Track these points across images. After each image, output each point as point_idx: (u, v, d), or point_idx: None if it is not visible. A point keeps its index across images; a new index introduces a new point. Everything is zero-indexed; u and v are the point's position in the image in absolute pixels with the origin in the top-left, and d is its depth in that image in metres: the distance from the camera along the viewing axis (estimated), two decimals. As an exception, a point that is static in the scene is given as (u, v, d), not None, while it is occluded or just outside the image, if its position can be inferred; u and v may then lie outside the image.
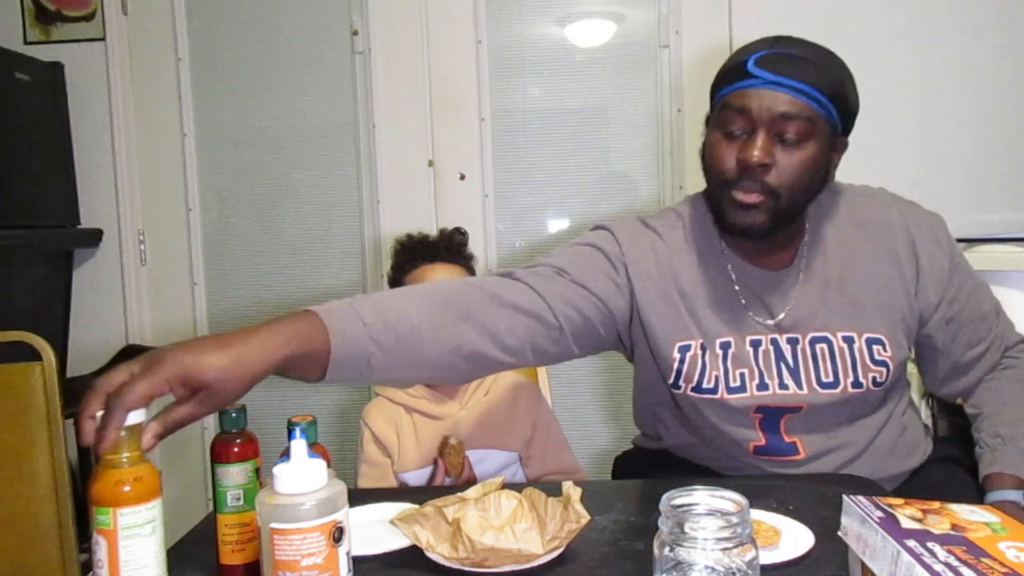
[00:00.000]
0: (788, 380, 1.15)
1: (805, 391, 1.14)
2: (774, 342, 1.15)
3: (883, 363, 1.14)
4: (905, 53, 2.30)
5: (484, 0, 2.41)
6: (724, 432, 1.18)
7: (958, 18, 2.28)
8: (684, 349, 1.16)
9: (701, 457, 1.25)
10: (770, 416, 1.16)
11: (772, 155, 1.05)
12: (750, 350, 1.15)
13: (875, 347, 1.14)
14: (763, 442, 1.17)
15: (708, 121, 1.14)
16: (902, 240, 1.16)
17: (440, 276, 1.37)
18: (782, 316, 1.15)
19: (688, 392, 1.17)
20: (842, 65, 1.10)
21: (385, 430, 1.36)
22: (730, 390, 1.15)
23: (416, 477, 1.35)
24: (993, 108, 2.29)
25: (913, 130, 2.31)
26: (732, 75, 1.09)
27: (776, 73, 1.04)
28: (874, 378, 1.14)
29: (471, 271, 1.44)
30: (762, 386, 1.15)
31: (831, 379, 1.14)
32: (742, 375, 1.15)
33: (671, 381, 1.17)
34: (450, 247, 1.43)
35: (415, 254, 1.41)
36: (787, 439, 1.17)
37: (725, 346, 1.16)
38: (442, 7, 2.43)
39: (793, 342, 1.15)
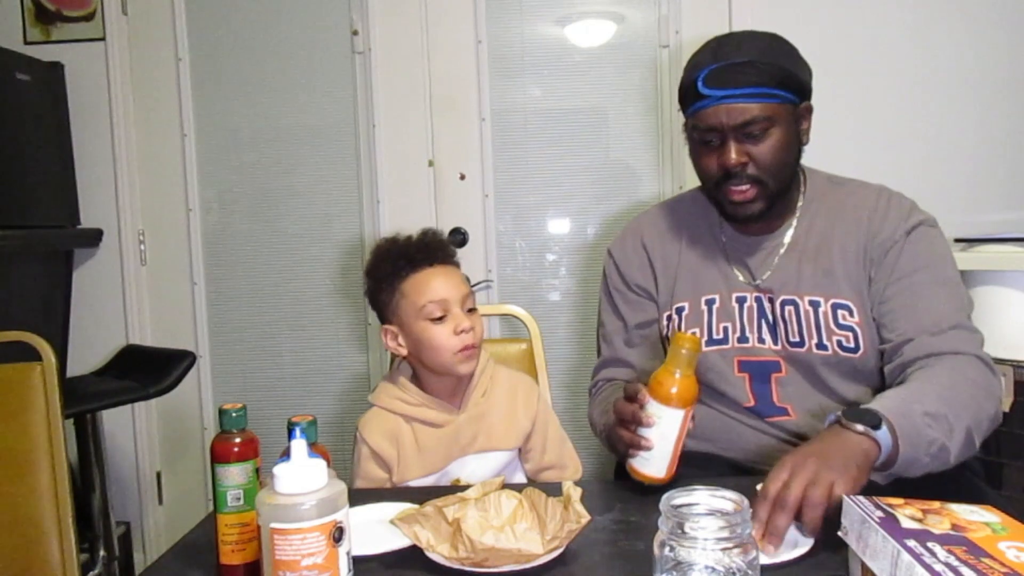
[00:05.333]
0: (766, 335, 1.27)
1: (779, 347, 1.26)
2: (757, 300, 1.28)
3: (849, 328, 1.22)
4: (905, 53, 2.30)
5: (484, 0, 2.41)
6: (717, 391, 1.29)
7: (958, 18, 2.28)
8: (668, 318, 1.33)
9: (713, 430, 1.30)
10: (757, 376, 1.27)
11: (745, 153, 1.18)
12: (736, 306, 1.28)
13: (840, 312, 1.23)
14: (752, 403, 1.27)
15: (685, 128, 1.26)
16: (877, 212, 1.24)
17: (441, 280, 1.30)
18: (761, 280, 1.28)
19: None
20: (782, 46, 1.20)
21: (383, 444, 1.29)
22: (711, 342, 1.28)
23: (418, 485, 1.31)
24: (993, 108, 2.29)
25: (913, 130, 2.31)
26: (690, 97, 1.20)
27: (724, 87, 1.15)
28: (839, 342, 1.22)
29: (459, 268, 1.37)
30: (742, 339, 1.28)
31: (797, 339, 1.25)
32: (725, 328, 1.29)
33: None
34: (444, 248, 1.36)
35: (408, 259, 1.32)
36: (779, 404, 1.27)
37: (710, 302, 1.30)
38: (442, 7, 2.43)
39: (770, 303, 1.27)
